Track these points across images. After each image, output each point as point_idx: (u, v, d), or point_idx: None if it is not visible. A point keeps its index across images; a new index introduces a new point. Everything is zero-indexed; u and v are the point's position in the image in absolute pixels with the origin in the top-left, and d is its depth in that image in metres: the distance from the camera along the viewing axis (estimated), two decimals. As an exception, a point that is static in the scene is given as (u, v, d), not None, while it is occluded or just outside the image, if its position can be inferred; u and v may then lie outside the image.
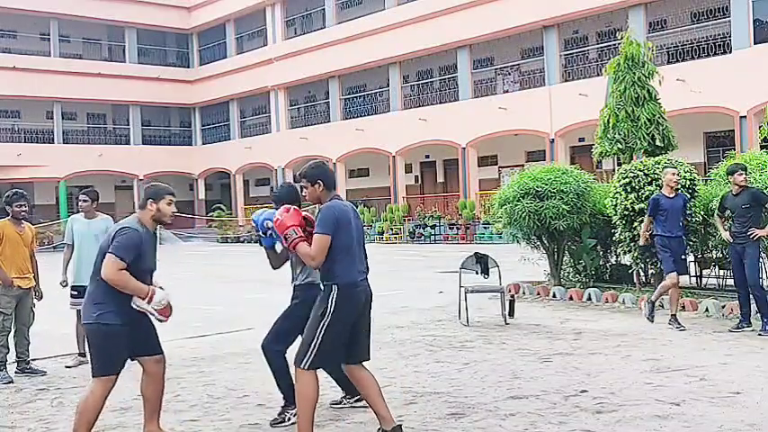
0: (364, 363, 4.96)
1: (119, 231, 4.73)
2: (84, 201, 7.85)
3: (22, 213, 7.37)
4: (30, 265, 7.43)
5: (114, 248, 4.64)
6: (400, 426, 4.87)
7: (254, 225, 5.36)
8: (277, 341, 5.49)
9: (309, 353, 4.68)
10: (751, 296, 8.46)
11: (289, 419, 5.38)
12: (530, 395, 5.97)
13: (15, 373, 7.34)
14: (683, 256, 9.11)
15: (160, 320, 4.87)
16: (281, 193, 5.64)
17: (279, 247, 5.35)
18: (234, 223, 37.98)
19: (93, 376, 4.77)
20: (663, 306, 9.73)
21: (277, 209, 5.04)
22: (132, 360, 4.92)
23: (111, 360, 4.72)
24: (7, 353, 7.24)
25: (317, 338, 4.68)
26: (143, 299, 4.72)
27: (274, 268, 5.57)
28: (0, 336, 7.19)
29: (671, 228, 8.89)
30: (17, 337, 7.40)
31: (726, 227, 8.77)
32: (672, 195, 9.01)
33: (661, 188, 9.38)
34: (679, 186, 9.34)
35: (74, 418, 4.80)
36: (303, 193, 5.05)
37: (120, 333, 4.69)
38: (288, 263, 5.56)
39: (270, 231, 5.13)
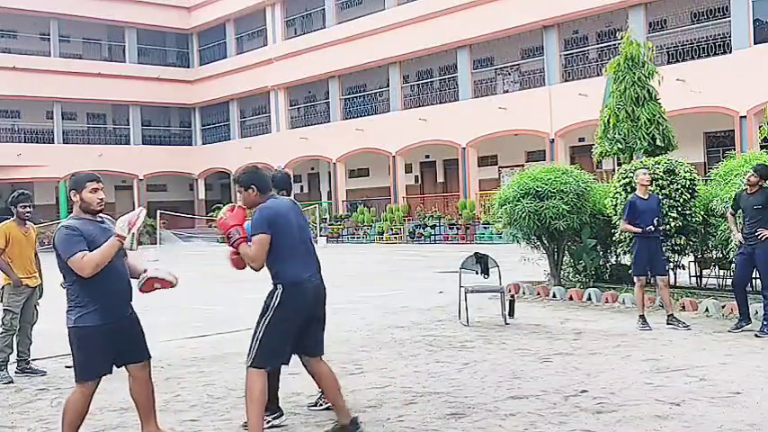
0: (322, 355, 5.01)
1: (54, 237, 4.59)
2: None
3: (27, 214, 7.42)
4: (34, 265, 7.49)
5: (63, 254, 4.49)
6: (356, 419, 4.92)
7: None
8: None
9: (252, 350, 4.73)
10: (755, 296, 8.45)
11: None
12: (530, 395, 5.96)
13: (15, 372, 7.35)
14: (662, 257, 9.15)
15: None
16: (277, 179, 5.56)
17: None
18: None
19: (75, 381, 4.68)
20: (662, 306, 9.73)
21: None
22: (118, 367, 4.82)
23: (91, 364, 4.60)
24: (11, 353, 7.29)
25: (259, 336, 4.72)
26: (121, 237, 4.44)
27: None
28: (6, 335, 7.26)
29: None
30: (20, 335, 7.43)
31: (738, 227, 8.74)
32: (646, 197, 9.05)
33: (635, 190, 9.39)
34: (652, 187, 9.46)
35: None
36: (239, 199, 4.98)
37: (98, 334, 4.55)
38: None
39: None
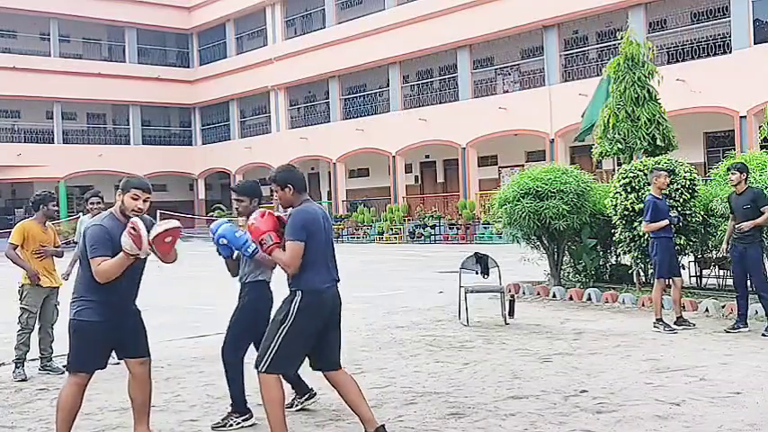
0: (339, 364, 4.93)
1: (86, 232, 4.71)
2: (98, 203, 7.90)
3: (56, 213, 7.77)
4: (54, 265, 7.57)
5: (89, 250, 4.58)
6: (383, 426, 4.82)
7: (212, 234, 5.42)
8: (234, 349, 5.49)
9: (267, 357, 4.63)
10: (754, 297, 8.44)
11: (230, 426, 5.37)
12: (530, 395, 5.97)
13: (39, 371, 7.42)
14: (677, 257, 9.16)
15: (164, 258, 4.75)
16: (243, 186, 5.68)
17: (236, 254, 5.45)
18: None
19: (67, 370, 4.77)
20: (663, 306, 9.72)
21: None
22: (119, 360, 4.90)
23: (85, 357, 4.67)
24: (27, 351, 7.32)
25: (276, 343, 4.62)
26: (132, 253, 4.55)
27: (233, 276, 5.64)
28: (23, 333, 7.30)
29: (667, 229, 8.87)
30: (41, 333, 7.49)
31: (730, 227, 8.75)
32: (661, 198, 9.01)
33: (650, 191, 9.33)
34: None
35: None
36: (274, 197, 4.98)
37: (97, 330, 4.61)
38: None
39: (223, 240, 5.28)
